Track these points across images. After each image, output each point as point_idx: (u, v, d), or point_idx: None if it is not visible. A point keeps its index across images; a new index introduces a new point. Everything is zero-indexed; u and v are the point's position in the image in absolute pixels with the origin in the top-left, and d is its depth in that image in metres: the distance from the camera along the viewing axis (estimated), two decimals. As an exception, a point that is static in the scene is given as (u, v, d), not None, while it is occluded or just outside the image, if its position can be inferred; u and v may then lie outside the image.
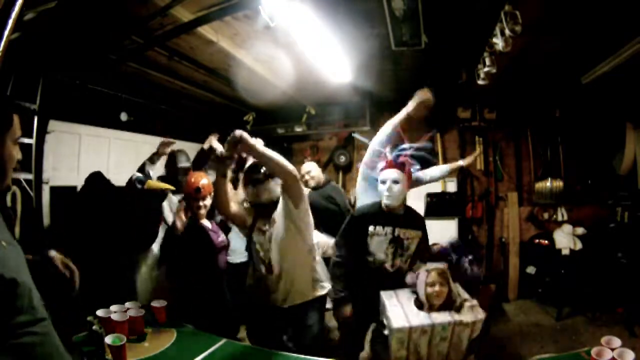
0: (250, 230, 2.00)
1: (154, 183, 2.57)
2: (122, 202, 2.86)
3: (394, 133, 2.16)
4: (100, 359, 1.48)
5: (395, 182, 1.95)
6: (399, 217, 2.01)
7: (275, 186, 1.92)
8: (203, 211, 2.23)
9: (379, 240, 1.98)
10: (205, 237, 2.20)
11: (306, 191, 2.02)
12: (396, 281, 1.97)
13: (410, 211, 2.09)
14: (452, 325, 1.65)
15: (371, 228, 1.99)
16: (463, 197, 4.63)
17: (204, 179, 2.24)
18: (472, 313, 1.69)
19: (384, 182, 1.97)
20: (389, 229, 1.98)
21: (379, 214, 2.02)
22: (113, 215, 2.74)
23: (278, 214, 1.93)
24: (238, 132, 1.63)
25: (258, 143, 1.71)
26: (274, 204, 1.94)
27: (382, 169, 2.02)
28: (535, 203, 4.46)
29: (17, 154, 1.06)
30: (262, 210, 1.95)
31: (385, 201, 1.96)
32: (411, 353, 1.66)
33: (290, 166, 1.78)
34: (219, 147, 1.89)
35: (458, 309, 1.72)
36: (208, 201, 2.25)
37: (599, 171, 4.22)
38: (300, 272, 1.93)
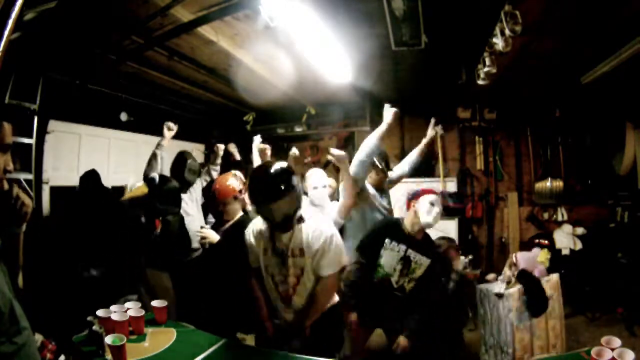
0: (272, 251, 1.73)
1: (135, 191, 2.55)
2: (111, 205, 2.85)
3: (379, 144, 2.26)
4: (100, 359, 1.48)
5: (432, 204, 2.07)
6: (416, 240, 2.10)
7: (293, 200, 1.60)
8: (225, 216, 2.20)
9: (391, 255, 2.07)
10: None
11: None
12: (398, 296, 2.05)
13: (427, 239, 2.18)
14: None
15: (387, 241, 2.08)
16: (463, 197, 4.64)
17: (227, 181, 2.19)
18: None
19: (425, 204, 2.07)
20: (402, 247, 2.07)
21: (399, 230, 2.12)
22: (103, 216, 2.74)
23: (309, 252, 1.65)
24: None
25: None
26: (290, 218, 1.64)
27: (418, 195, 2.14)
28: (535, 203, 4.46)
29: (7, 164, 0.97)
30: (276, 226, 1.66)
31: (426, 220, 2.05)
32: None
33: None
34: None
35: None
36: (228, 206, 2.17)
37: (599, 171, 4.21)
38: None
